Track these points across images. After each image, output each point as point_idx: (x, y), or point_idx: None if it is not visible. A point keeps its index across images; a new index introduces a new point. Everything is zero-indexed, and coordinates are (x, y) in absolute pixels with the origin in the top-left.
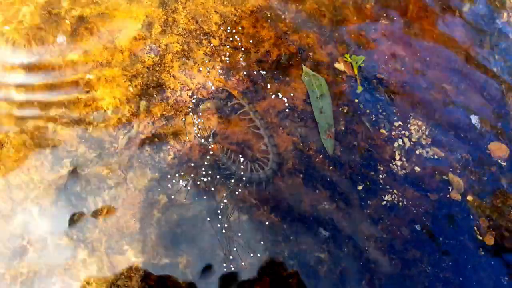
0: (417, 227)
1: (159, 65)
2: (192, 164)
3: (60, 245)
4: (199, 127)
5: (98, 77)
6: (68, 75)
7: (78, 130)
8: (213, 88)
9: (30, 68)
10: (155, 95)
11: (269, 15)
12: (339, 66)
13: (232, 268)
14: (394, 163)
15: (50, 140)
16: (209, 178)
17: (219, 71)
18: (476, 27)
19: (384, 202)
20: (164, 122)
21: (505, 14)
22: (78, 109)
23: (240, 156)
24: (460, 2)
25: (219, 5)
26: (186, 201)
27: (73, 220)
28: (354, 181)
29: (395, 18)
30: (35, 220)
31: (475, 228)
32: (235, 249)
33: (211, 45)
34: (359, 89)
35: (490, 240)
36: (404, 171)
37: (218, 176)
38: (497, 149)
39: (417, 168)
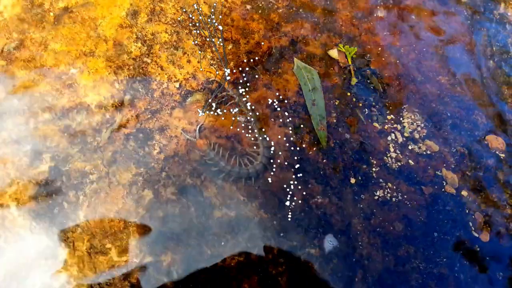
0: (411, 222)
1: (146, 56)
2: (179, 159)
3: (40, 244)
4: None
5: (81, 69)
6: (50, 67)
7: (59, 124)
8: (201, 79)
9: (12, 60)
10: (140, 89)
11: (260, 5)
12: (333, 53)
13: (220, 266)
14: (388, 155)
15: (29, 134)
16: (196, 173)
17: (209, 61)
18: (474, 18)
19: (377, 197)
20: (149, 116)
21: (503, 5)
22: (61, 103)
23: (229, 150)
24: None
25: None
26: (172, 197)
27: (54, 217)
28: (347, 174)
29: (390, 8)
30: (13, 217)
31: (470, 224)
32: (222, 243)
33: (200, 36)
34: (353, 80)
35: (485, 236)
36: (398, 164)
37: (205, 172)
38: (494, 140)
39: (411, 161)
